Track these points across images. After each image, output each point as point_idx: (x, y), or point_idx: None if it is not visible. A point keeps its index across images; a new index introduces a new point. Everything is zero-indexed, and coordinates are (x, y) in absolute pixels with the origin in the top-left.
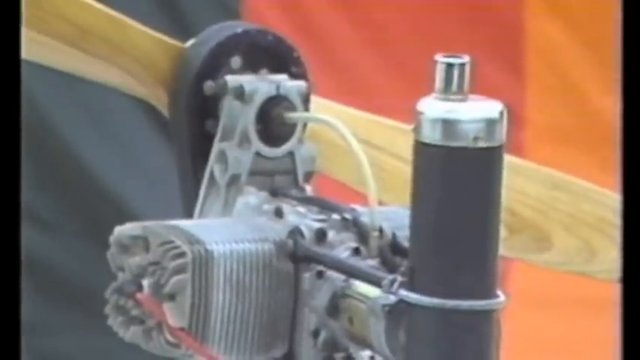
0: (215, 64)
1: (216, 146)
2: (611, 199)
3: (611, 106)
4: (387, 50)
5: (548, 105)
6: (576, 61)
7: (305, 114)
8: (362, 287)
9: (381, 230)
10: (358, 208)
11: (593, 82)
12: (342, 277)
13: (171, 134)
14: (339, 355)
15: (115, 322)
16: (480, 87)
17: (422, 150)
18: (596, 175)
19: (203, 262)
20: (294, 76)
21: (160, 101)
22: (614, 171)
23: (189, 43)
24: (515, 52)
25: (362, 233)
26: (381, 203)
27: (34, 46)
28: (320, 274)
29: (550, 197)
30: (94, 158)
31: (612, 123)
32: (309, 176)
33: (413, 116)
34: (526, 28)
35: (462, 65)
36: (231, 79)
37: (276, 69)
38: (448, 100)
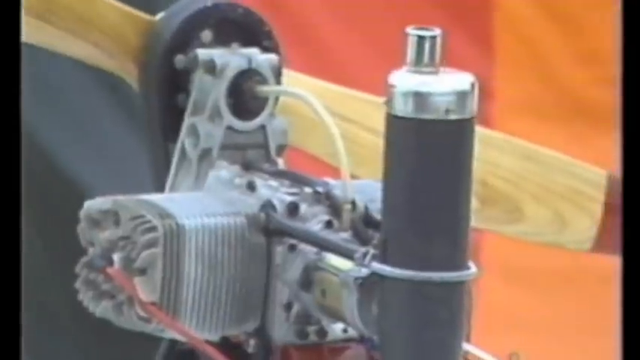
0: (185, 37)
1: (188, 120)
2: (582, 169)
3: (580, 78)
4: (358, 23)
5: (518, 78)
6: (545, 34)
7: (276, 87)
8: (334, 260)
9: (353, 203)
10: (330, 181)
11: (563, 54)
12: (315, 250)
13: (140, 109)
14: (311, 328)
15: (85, 296)
16: (449, 61)
17: (394, 123)
18: (565, 147)
19: (174, 236)
20: (265, 49)
21: (130, 75)
22: (583, 143)
23: (159, 16)
24: (484, 25)
25: (334, 206)
26: (353, 177)
27: None
28: (292, 248)
29: (521, 168)
30: (49, 136)
31: (582, 95)
32: (281, 150)
33: (385, 89)
34: (495, 1)
35: (433, 38)
36: (202, 53)
37: (248, 43)
38: (420, 72)
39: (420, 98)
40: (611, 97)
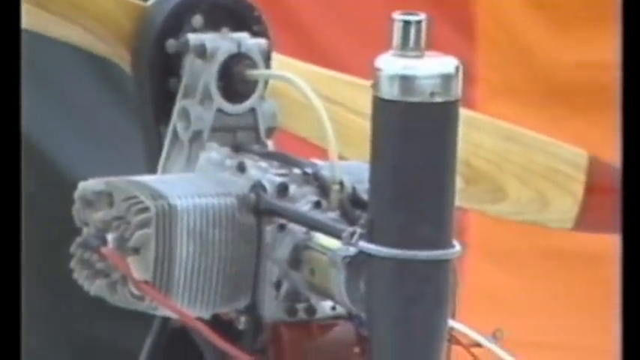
0: (177, 22)
1: (179, 103)
2: (563, 150)
3: (560, 63)
4: (345, 8)
5: (498, 62)
6: (525, 19)
7: (266, 71)
8: (323, 239)
9: (341, 184)
10: (319, 162)
11: (543, 39)
12: (304, 229)
13: (133, 92)
14: (300, 306)
15: (80, 275)
16: (431, 46)
17: (380, 105)
18: (544, 129)
19: (167, 217)
20: (255, 34)
21: (123, 60)
22: (564, 127)
23: (151, 1)
24: (465, 10)
25: (323, 187)
26: (341, 158)
27: None
28: (282, 227)
29: (503, 149)
30: (40, 120)
31: (561, 79)
32: (270, 132)
33: (371, 73)
34: None
35: (419, 22)
36: (193, 38)
37: (237, 27)
38: (405, 56)
39: (405, 81)
40: (589, 81)
